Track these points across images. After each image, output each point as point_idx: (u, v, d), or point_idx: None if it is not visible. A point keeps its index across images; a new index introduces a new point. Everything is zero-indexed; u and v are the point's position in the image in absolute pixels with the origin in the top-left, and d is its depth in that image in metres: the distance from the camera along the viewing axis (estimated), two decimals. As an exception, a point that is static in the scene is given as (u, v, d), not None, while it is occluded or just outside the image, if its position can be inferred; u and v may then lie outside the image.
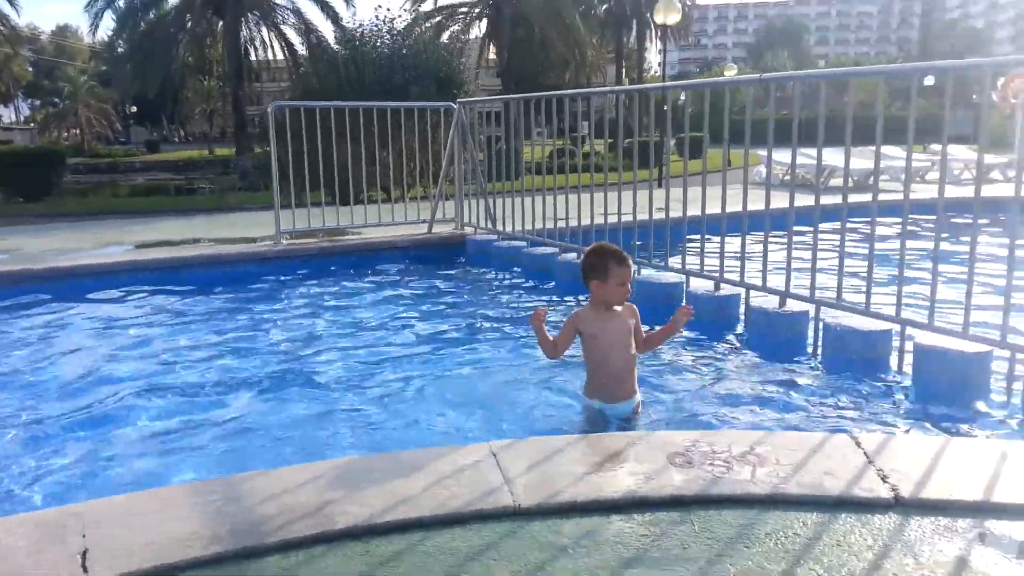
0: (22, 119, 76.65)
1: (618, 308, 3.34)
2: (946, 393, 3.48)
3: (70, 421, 3.48)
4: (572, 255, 6.08)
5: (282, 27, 31.14)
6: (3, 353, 4.50)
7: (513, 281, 6.46)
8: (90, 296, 5.78)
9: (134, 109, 65.84)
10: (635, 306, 3.43)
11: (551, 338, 3.29)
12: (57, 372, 4.17)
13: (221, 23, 29.95)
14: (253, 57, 31.87)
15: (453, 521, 2.07)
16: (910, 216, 3.90)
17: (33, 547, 1.96)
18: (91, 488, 2.82)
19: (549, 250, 6.44)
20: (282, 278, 6.44)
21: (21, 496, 2.78)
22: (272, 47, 31.76)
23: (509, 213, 7.04)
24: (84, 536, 1.99)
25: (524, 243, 6.80)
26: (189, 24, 30.23)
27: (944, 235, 3.73)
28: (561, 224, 6.32)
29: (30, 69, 70.68)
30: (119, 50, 33.32)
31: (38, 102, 76.30)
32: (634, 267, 5.42)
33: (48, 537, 1.99)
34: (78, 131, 65.74)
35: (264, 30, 31.30)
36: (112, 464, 3.04)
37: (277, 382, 3.97)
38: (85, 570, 1.85)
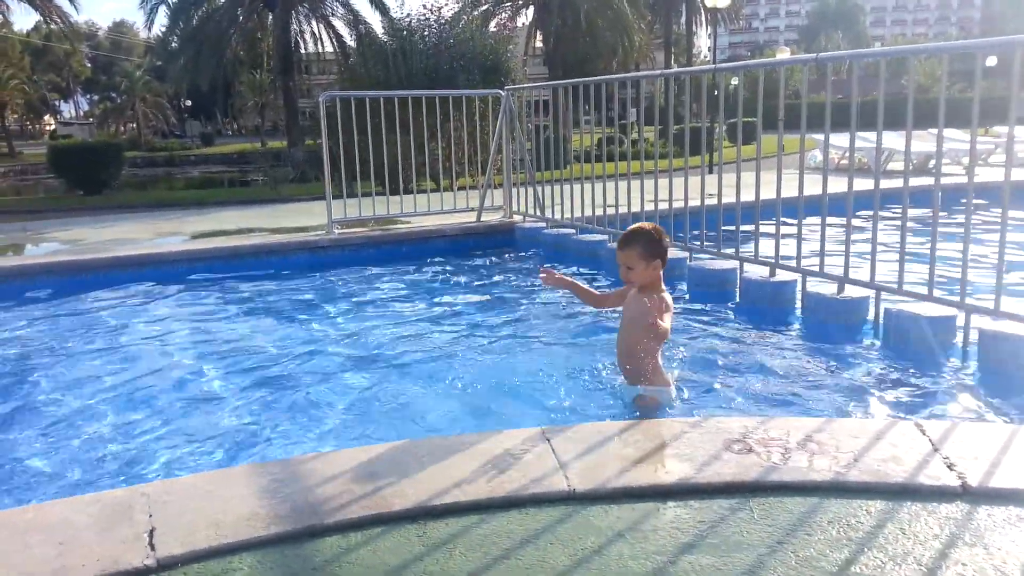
0: (81, 114, 79.01)
1: (645, 292, 3.26)
2: (1014, 380, 3.37)
3: (133, 403, 3.58)
4: (622, 242, 6.02)
5: (331, 19, 31.44)
6: (71, 339, 4.64)
7: (562, 268, 6.43)
8: (149, 284, 5.92)
9: (189, 103, 67.24)
10: (663, 298, 3.21)
11: (595, 292, 3.56)
12: (121, 357, 4.28)
13: (271, 16, 30.34)
14: (303, 50, 32.21)
15: (509, 505, 2.08)
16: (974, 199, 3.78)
17: (103, 526, 2.01)
18: (157, 469, 2.90)
19: (598, 237, 6.40)
20: (334, 267, 6.52)
21: (90, 476, 2.87)
22: (321, 39, 32.07)
23: (558, 201, 7.01)
24: (151, 515, 2.04)
25: (573, 230, 6.76)
26: (240, 18, 30.68)
27: (1009, 219, 3.60)
28: (610, 211, 6.28)
29: (88, 65, 72.72)
30: (172, 45, 33.98)
31: (96, 97, 78.47)
32: (685, 254, 5.40)
33: (117, 516, 2.05)
34: (135, 125, 67.43)
35: (313, 22, 31.62)
36: (175, 445, 3.11)
37: (329, 368, 4.03)
38: (153, 548, 1.89)
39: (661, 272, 3.27)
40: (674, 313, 3.32)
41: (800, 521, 1.96)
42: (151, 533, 1.96)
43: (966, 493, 2.07)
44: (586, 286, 3.51)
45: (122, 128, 68.57)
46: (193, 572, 1.82)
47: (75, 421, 3.40)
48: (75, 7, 41.76)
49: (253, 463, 2.60)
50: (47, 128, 74.25)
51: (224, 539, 1.92)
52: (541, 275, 3.50)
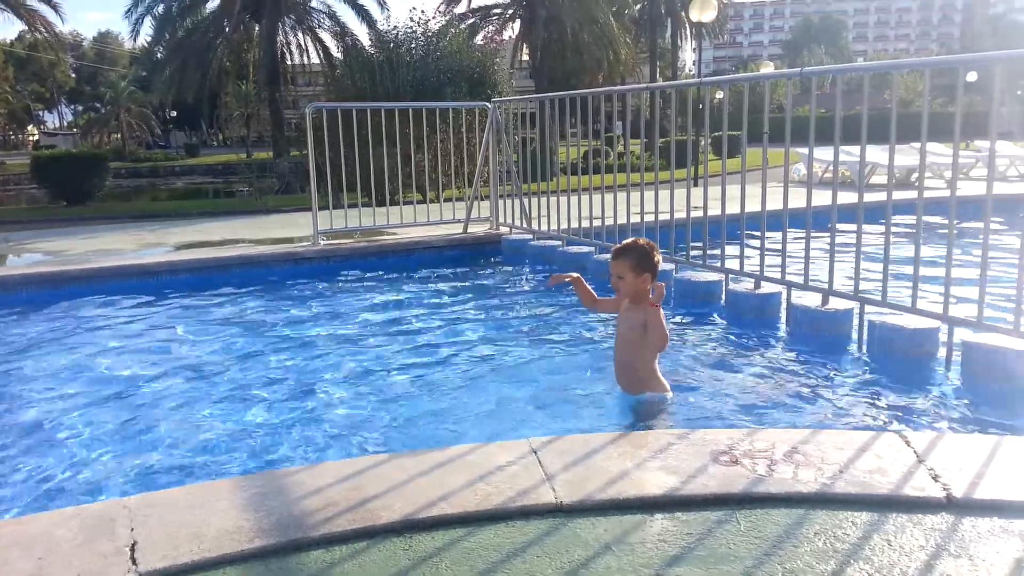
0: (65, 124, 78.51)
1: (636, 304, 3.38)
2: (996, 392, 3.40)
3: (115, 416, 3.54)
4: (607, 255, 6.04)
5: (317, 30, 31.45)
6: (53, 350, 4.59)
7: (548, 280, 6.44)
8: (131, 295, 5.87)
9: (174, 113, 67.02)
10: (654, 308, 3.27)
11: (595, 295, 3.69)
12: (102, 369, 4.24)
13: (258, 27, 30.31)
14: (289, 61, 32.19)
15: (495, 517, 2.07)
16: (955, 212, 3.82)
17: (83, 540, 1.99)
18: (139, 482, 2.86)
19: (584, 249, 6.41)
20: (319, 278, 6.49)
21: (72, 490, 2.83)
22: (307, 51, 32.07)
23: (544, 213, 7.03)
24: (132, 529, 2.02)
25: (559, 242, 6.78)
26: (227, 29, 30.64)
27: (991, 231, 3.64)
28: (596, 223, 6.29)
29: (73, 75, 72.32)
30: (158, 55, 33.87)
31: (80, 107, 78.03)
32: (671, 266, 5.42)
33: (98, 530, 2.02)
34: (119, 136, 67.03)
35: (300, 34, 31.63)
36: (158, 458, 3.08)
37: (313, 380, 4.00)
38: (134, 562, 1.87)
39: (649, 285, 3.33)
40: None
41: (786, 533, 1.96)
42: (133, 547, 1.93)
43: (951, 504, 2.08)
44: (587, 286, 3.68)
45: (106, 139, 68.10)
46: (175, 587, 1.80)
47: (55, 434, 3.35)
48: (60, 17, 41.65)
49: (236, 476, 2.57)
50: (30, 138, 73.70)
51: (207, 553, 1.90)
52: (550, 282, 3.92)
